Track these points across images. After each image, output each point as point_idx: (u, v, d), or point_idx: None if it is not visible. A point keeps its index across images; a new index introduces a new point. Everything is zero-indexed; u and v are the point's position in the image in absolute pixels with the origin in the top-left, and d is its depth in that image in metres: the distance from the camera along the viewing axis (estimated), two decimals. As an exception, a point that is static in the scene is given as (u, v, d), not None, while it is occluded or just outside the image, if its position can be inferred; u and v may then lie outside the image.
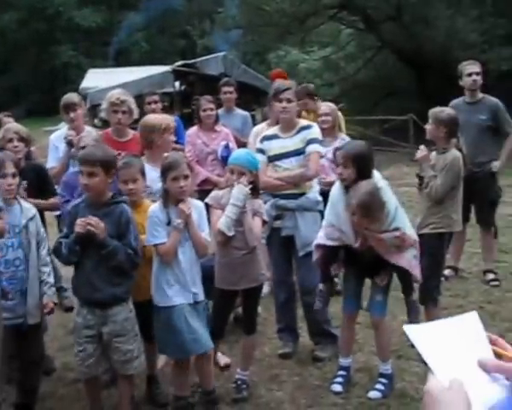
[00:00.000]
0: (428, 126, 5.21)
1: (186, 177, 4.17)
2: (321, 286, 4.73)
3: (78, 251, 3.96)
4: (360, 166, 4.40)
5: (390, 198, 4.44)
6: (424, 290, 5.02)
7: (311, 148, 5.01)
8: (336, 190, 4.60)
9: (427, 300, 5.07)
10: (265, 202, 4.90)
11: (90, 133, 5.13)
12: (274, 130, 5.25)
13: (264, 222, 4.62)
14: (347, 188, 4.45)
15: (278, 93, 5.10)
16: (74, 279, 4.15)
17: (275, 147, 5.11)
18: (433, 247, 5.07)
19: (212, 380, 4.42)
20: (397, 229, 4.36)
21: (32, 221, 4.23)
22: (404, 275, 4.51)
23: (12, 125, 5.46)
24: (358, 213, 4.28)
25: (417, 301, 4.70)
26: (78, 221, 3.90)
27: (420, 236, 4.79)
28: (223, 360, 5.03)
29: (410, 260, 4.43)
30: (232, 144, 6.44)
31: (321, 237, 4.63)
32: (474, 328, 1.17)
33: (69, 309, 6.12)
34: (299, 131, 5.10)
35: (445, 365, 1.12)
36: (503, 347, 1.17)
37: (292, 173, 5.04)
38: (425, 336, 1.15)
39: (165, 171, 4.16)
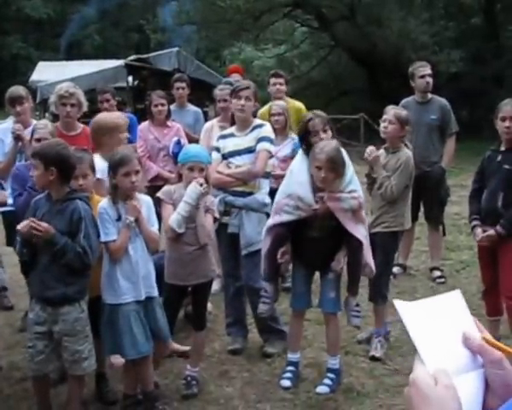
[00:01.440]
0: (388, 126, 5.13)
1: (137, 172, 4.15)
2: (266, 285, 4.72)
3: (25, 252, 3.91)
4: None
5: (348, 163, 4.52)
6: (375, 287, 5.10)
7: (261, 146, 5.05)
8: (297, 158, 4.73)
9: (378, 297, 5.15)
10: (215, 197, 4.91)
11: (46, 126, 5.00)
12: (231, 129, 5.28)
13: (215, 219, 4.63)
14: (308, 152, 4.55)
15: (238, 91, 5.12)
16: (30, 275, 4.08)
17: (229, 144, 5.14)
18: (387, 245, 5.14)
19: (149, 382, 4.35)
20: (353, 191, 4.46)
21: None
22: (356, 261, 4.51)
23: None
24: (326, 166, 4.33)
25: (359, 304, 4.71)
26: (21, 224, 3.83)
27: (372, 234, 4.86)
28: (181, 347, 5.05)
29: (363, 236, 4.49)
30: (184, 140, 6.42)
31: (273, 218, 4.64)
32: (459, 305, 1.21)
33: (8, 308, 6.08)
34: (252, 130, 5.14)
35: (431, 344, 1.15)
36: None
37: (239, 170, 5.06)
38: (413, 312, 1.18)
39: (116, 166, 4.11)
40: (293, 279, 4.96)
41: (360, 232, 4.49)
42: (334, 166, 4.36)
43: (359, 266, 4.56)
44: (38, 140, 4.68)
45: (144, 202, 4.27)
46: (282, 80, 7.03)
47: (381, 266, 4.95)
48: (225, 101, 6.19)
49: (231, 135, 5.20)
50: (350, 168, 4.55)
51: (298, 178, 4.59)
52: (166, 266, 4.54)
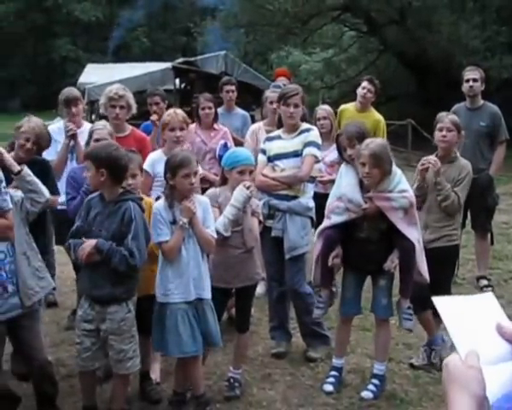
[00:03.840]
0: (447, 133, 4.94)
1: (196, 173, 4.19)
2: (321, 292, 4.71)
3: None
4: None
5: (395, 166, 4.50)
6: (427, 298, 4.98)
7: (307, 150, 5.04)
8: (343, 165, 4.73)
9: (427, 307, 5.02)
10: (259, 200, 4.93)
11: (104, 126, 5.08)
12: (278, 132, 5.29)
13: (260, 222, 4.64)
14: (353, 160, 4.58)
15: (287, 98, 5.10)
16: (80, 272, 4.15)
17: (275, 147, 5.15)
18: (451, 259, 5.09)
19: (199, 384, 4.36)
20: (404, 191, 4.42)
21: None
22: (408, 263, 4.44)
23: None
24: (370, 162, 4.32)
25: (411, 306, 4.63)
26: (79, 251, 3.91)
27: (431, 250, 4.77)
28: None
29: (415, 239, 4.42)
30: (230, 144, 6.45)
31: (324, 222, 4.64)
32: (493, 304, 1.27)
33: (52, 305, 6.20)
34: (299, 134, 5.14)
35: (466, 335, 1.20)
36: None
37: (285, 174, 5.06)
38: (450, 307, 1.25)
39: (175, 168, 4.11)
40: (343, 284, 4.92)
41: (412, 234, 4.43)
42: (378, 162, 4.33)
43: (412, 268, 4.49)
44: (97, 140, 4.71)
45: (201, 203, 4.26)
46: (371, 87, 7.05)
47: (445, 281, 4.91)
48: (270, 104, 6.22)
49: (278, 137, 5.21)
50: (398, 170, 4.52)
51: (346, 180, 4.59)
52: (211, 268, 4.57)
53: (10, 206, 3.85)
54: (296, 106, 5.07)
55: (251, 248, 4.52)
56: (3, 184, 3.83)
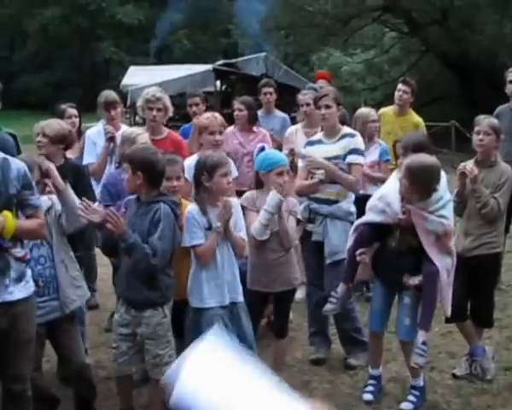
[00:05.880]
0: (484, 137, 4.77)
1: (230, 173, 4.22)
2: (339, 287, 4.56)
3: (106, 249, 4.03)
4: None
5: (445, 189, 4.35)
6: (477, 312, 4.86)
7: (354, 159, 5.00)
8: (396, 170, 4.67)
9: (466, 317, 4.88)
10: (300, 204, 4.89)
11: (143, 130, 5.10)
12: (319, 136, 5.25)
13: (299, 221, 4.59)
14: None
15: (317, 100, 5.12)
16: (117, 275, 4.15)
17: (317, 152, 5.09)
18: (493, 267, 4.96)
19: None
20: (443, 217, 4.26)
21: (48, 214, 4.08)
22: (429, 291, 4.23)
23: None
24: (405, 175, 4.21)
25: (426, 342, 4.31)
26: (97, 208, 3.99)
27: (471, 258, 4.67)
28: None
29: (443, 267, 4.25)
30: (269, 146, 6.39)
31: (364, 217, 4.56)
32: None
33: (94, 307, 6.22)
34: (341, 138, 5.08)
35: None
36: None
37: (344, 176, 4.99)
38: None
39: (213, 168, 4.09)
40: (373, 296, 4.84)
41: (441, 262, 4.25)
42: (413, 178, 4.18)
43: (433, 297, 4.27)
44: (133, 143, 4.69)
45: (234, 204, 4.24)
46: (406, 88, 6.99)
47: (488, 291, 4.82)
48: (308, 105, 6.18)
49: (319, 142, 5.16)
50: (446, 196, 4.35)
51: (392, 184, 4.49)
52: (249, 272, 4.53)
53: (42, 205, 3.80)
54: (327, 107, 5.02)
55: (288, 249, 4.49)
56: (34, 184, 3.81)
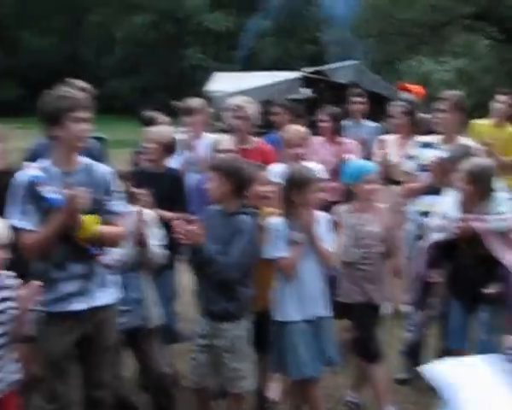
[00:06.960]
0: None
1: (320, 188, 4.20)
2: (415, 315, 4.49)
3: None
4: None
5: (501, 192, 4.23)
6: None
7: None
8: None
9: None
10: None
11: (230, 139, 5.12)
12: (433, 139, 5.16)
13: None
14: None
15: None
16: (198, 287, 4.12)
17: (427, 155, 4.99)
18: None
19: (318, 407, 4.18)
20: (502, 213, 4.13)
21: None
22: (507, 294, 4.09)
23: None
24: (465, 179, 4.13)
25: None
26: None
27: None
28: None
29: None
30: (356, 157, 6.24)
31: (428, 239, 4.45)
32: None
33: None
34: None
35: None
36: None
37: None
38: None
39: (305, 183, 4.04)
40: (450, 316, 4.61)
41: None
42: (474, 181, 4.10)
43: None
44: (220, 151, 4.72)
45: (320, 218, 4.16)
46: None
47: None
48: (402, 115, 6.07)
49: (430, 145, 5.06)
50: (502, 195, 4.24)
51: (448, 198, 4.37)
52: (338, 283, 4.46)
53: (123, 211, 3.72)
54: (443, 111, 4.94)
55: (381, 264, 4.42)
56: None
